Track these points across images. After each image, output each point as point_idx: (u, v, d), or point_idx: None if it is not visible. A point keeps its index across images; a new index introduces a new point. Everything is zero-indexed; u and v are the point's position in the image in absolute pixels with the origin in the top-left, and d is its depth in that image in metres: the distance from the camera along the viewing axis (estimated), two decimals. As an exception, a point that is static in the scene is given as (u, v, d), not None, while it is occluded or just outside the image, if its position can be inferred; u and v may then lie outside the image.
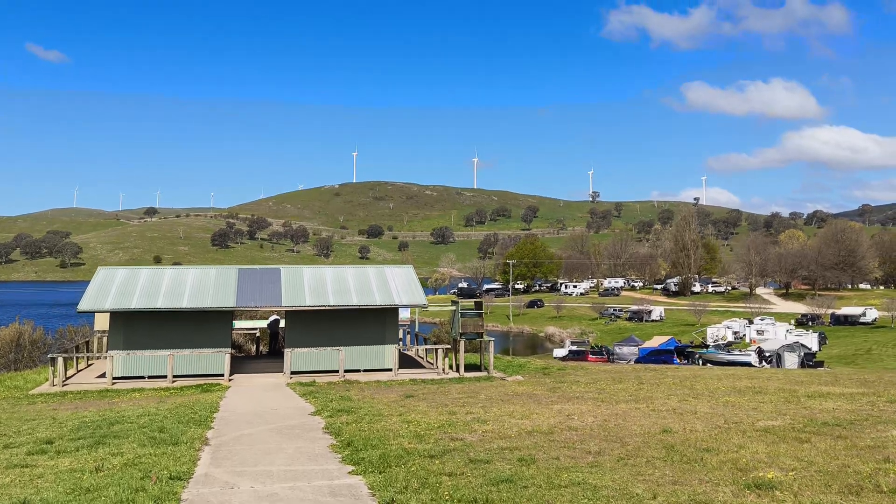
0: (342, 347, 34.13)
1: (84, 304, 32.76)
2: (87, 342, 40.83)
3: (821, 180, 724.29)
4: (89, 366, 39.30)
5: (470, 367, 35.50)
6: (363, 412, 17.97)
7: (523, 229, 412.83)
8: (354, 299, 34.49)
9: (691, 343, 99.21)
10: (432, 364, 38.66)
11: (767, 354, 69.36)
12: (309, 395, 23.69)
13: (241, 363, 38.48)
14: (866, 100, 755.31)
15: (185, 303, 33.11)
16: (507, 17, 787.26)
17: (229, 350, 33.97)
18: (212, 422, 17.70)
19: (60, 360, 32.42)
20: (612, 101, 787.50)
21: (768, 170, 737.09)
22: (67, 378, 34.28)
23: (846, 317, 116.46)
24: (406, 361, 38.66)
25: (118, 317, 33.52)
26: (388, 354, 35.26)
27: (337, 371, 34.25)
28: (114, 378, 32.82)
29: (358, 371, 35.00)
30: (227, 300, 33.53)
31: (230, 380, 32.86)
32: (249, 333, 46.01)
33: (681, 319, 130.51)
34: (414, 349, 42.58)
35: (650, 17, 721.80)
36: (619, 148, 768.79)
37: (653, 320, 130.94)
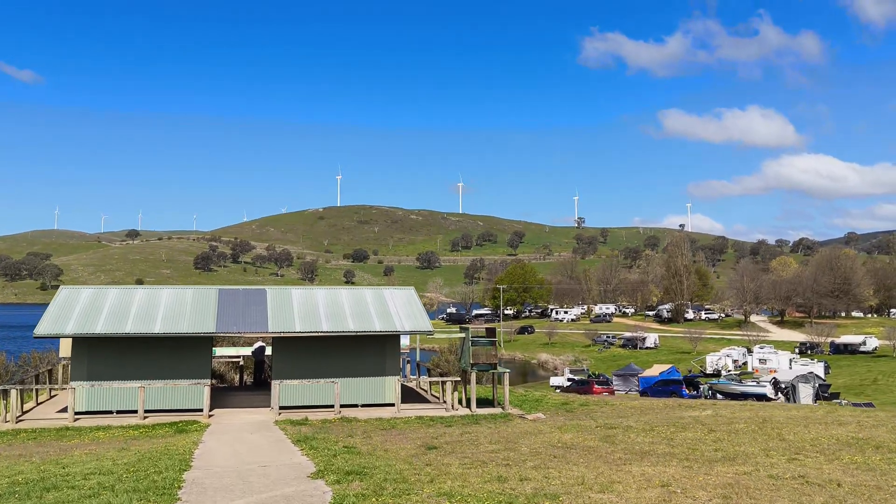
0: (337, 379, 29.90)
1: (42, 328, 28.36)
2: (50, 370, 36.34)
3: (801, 208, 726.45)
4: (52, 397, 34.82)
5: (481, 402, 31.28)
6: (380, 475, 13.62)
7: (509, 254, 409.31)
8: (351, 325, 30.29)
9: (690, 371, 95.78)
10: (437, 398, 34.43)
11: (784, 386, 65.31)
12: (305, 443, 19.28)
13: (223, 395, 34.17)
14: (844, 129, 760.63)
15: (158, 327, 28.80)
16: (488, 44, 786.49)
17: (209, 381, 29.67)
18: (179, 488, 13.30)
19: (14, 393, 28.08)
20: (591, 127, 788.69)
21: (749, 197, 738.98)
22: (24, 412, 29.96)
23: (846, 345, 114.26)
24: (408, 395, 34.37)
25: (81, 343, 29.17)
26: (390, 387, 31.05)
27: (331, 406, 30.04)
28: (76, 413, 28.46)
29: (356, 406, 30.79)
30: (205, 325, 29.23)
31: (210, 415, 28.58)
32: (233, 361, 41.51)
33: (676, 347, 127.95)
34: (415, 381, 38.38)
35: (625, 45, 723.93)
36: (600, 174, 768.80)
37: (647, 348, 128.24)
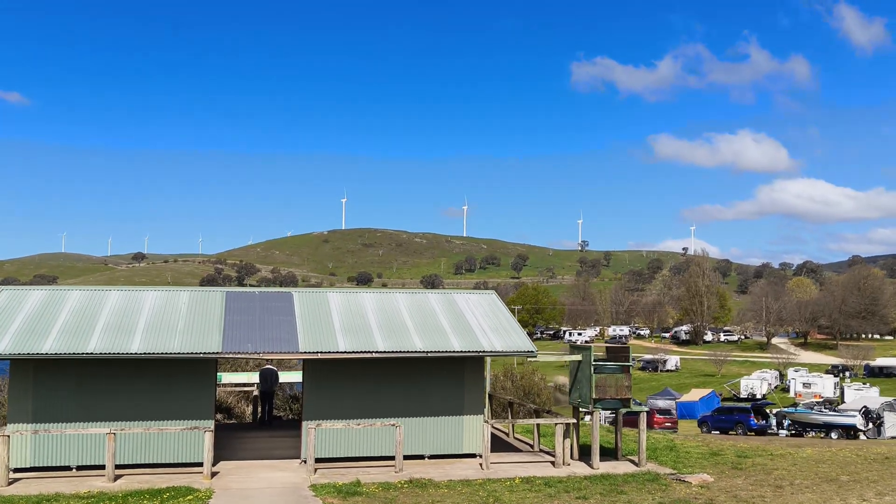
0: (398, 420, 20.58)
1: (-37, 346, 18.94)
2: (-5, 405, 26.85)
3: (796, 232, 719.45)
4: (-2, 441, 25.30)
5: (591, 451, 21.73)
6: None
7: (513, 277, 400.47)
8: (417, 342, 20.91)
9: (720, 395, 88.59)
10: (526, 443, 25.09)
11: (875, 415, 56.12)
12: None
13: (231, 437, 24.74)
14: (837, 153, 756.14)
15: (138, 344, 19.39)
16: (481, 71, 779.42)
17: (212, 423, 20.31)
18: None
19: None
20: (583, 152, 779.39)
21: (743, 221, 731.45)
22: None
23: (882, 368, 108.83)
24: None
25: (24, 367, 19.81)
26: (472, 432, 21.72)
27: (387, 458, 20.78)
28: (14, 471, 19.16)
29: (422, 458, 21.45)
30: (207, 341, 19.84)
31: (213, 473, 19.24)
32: (245, 391, 31.84)
33: (697, 370, 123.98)
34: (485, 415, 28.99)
35: (615, 69, 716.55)
36: (595, 198, 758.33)
37: (668, 370, 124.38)
